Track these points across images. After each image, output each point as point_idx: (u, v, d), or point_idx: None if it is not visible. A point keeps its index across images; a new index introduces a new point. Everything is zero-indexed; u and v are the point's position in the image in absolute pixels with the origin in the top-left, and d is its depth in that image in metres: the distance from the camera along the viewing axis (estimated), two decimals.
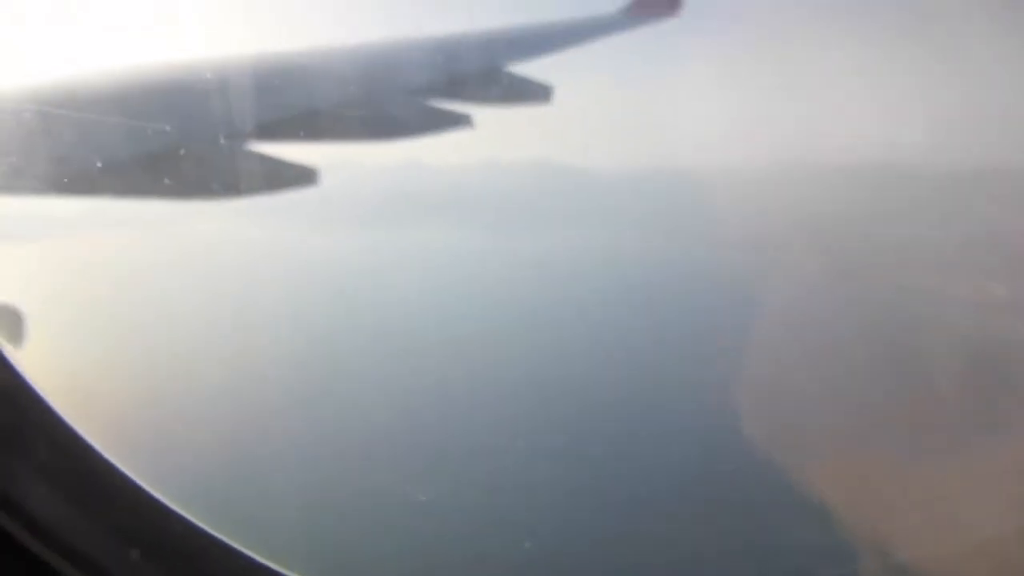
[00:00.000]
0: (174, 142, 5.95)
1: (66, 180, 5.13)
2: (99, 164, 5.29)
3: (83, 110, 5.69)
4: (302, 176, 6.80)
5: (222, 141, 6.38)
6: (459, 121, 8.47)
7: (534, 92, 9.81)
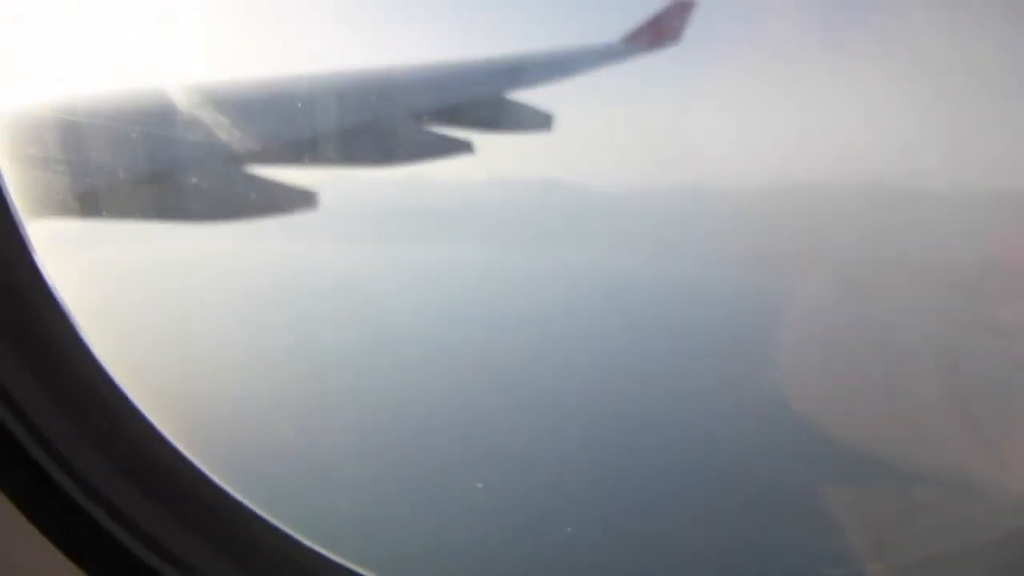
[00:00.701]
0: (175, 165, 5.95)
1: (68, 201, 5.12)
2: (101, 185, 5.28)
3: (85, 132, 5.69)
4: (302, 199, 6.81)
5: (222, 165, 6.39)
6: (460, 147, 8.52)
7: (535, 120, 9.88)
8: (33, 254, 2.08)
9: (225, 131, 6.78)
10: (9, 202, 2.06)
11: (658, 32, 13.05)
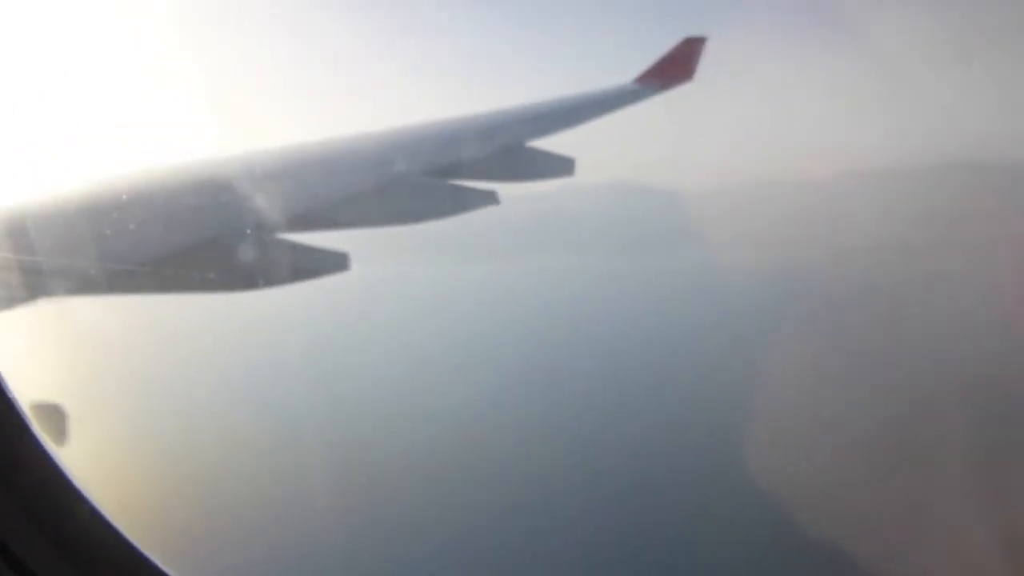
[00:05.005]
0: (206, 237, 6.07)
1: (106, 279, 5.24)
2: (134, 262, 5.40)
3: (118, 210, 5.86)
4: (334, 262, 6.87)
5: (253, 233, 6.50)
6: (485, 199, 8.57)
7: (556, 166, 9.94)
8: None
9: (252, 200, 6.92)
10: None
11: (670, 70, 13.15)
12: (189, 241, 5.80)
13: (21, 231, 5.19)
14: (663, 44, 13.46)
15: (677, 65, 13.19)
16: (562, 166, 9.84)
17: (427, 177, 8.65)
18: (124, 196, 6.05)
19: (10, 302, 4.61)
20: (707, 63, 13.23)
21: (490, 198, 8.51)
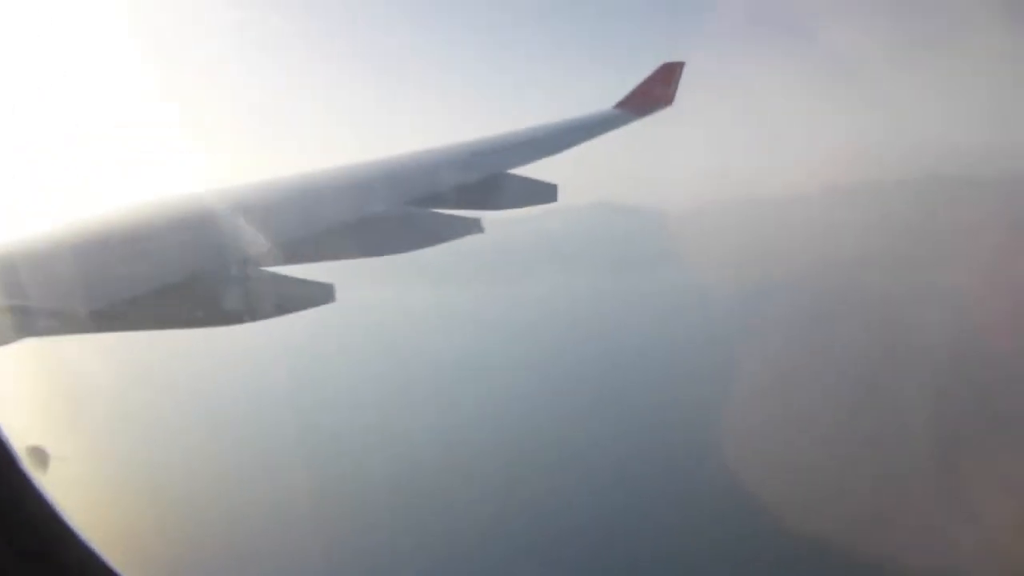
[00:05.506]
0: (190, 273, 6.05)
1: (89, 318, 5.20)
2: (118, 300, 5.36)
3: (100, 247, 5.83)
4: (319, 294, 6.84)
5: (238, 267, 6.48)
6: (470, 227, 8.59)
7: (539, 192, 9.98)
8: None
9: (235, 234, 6.91)
10: None
11: (650, 95, 13.31)
12: (173, 278, 5.77)
13: (1, 271, 5.16)
14: (643, 70, 13.64)
15: (657, 90, 13.35)
16: (545, 192, 9.89)
17: (411, 207, 8.66)
18: (105, 233, 6.03)
19: None
20: (685, 87, 13.40)
21: (475, 226, 8.53)
